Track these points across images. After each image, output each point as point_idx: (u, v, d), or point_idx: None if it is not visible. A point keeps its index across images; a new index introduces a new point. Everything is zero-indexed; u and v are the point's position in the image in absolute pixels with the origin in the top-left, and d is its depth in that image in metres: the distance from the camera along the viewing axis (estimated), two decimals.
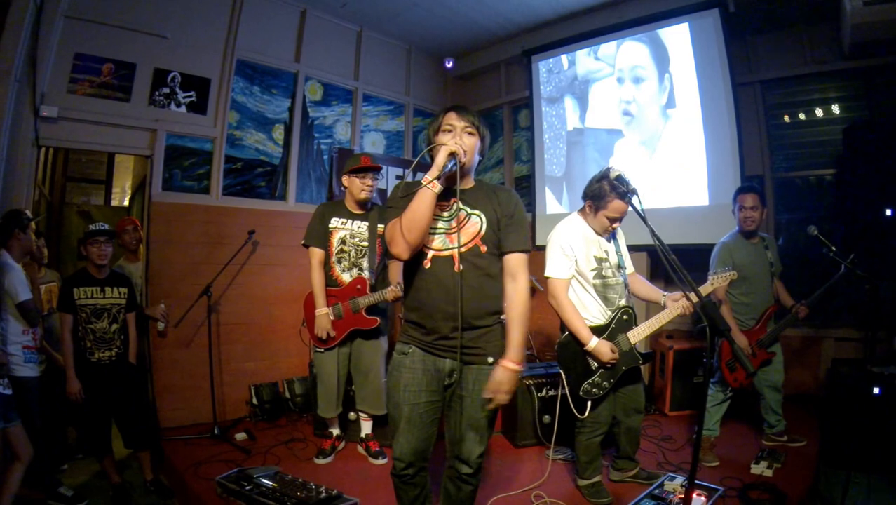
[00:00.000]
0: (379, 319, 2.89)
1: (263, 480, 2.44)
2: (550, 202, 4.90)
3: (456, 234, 1.68)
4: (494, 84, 5.50)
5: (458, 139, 1.66)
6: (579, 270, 2.39)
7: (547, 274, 2.41)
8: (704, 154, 3.94)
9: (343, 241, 2.91)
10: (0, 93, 3.05)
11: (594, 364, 2.37)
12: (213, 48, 3.95)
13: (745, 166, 3.78)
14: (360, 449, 3.09)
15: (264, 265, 4.10)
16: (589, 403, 2.40)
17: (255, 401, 3.83)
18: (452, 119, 1.71)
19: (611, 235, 2.50)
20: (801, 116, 4.08)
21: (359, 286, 2.87)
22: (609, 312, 2.43)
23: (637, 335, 2.41)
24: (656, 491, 2.36)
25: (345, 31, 4.76)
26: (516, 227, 1.72)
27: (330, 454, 3.02)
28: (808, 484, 2.61)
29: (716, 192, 3.87)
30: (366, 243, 2.92)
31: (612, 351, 2.32)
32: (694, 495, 2.09)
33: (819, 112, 4.01)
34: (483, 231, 1.70)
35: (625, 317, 2.43)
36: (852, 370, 3.20)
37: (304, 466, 2.92)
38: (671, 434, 3.29)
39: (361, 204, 2.94)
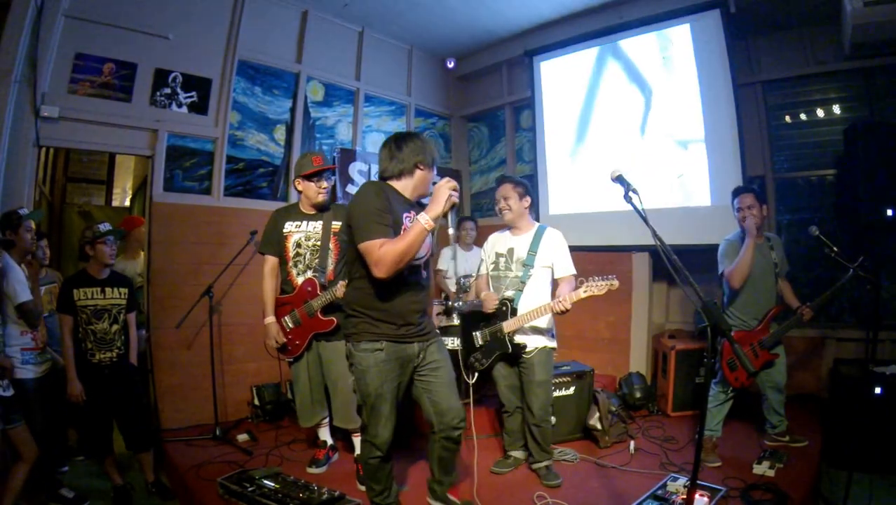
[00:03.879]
0: (336, 320, 2.69)
1: (265, 481, 2.44)
2: (553, 203, 4.89)
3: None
4: (496, 84, 5.50)
5: (452, 185, 1.90)
6: (487, 265, 2.85)
7: None
8: (706, 154, 3.95)
9: (298, 245, 2.79)
10: (0, 93, 3.05)
11: (477, 342, 2.74)
12: (214, 48, 3.94)
13: (746, 167, 3.78)
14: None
15: None
16: (475, 374, 2.73)
17: (256, 402, 3.83)
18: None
19: (533, 236, 2.70)
20: (803, 117, 4.08)
21: (309, 288, 2.74)
22: None
23: (510, 326, 2.64)
24: (659, 491, 2.37)
25: (346, 32, 4.76)
26: None
27: (324, 464, 2.90)
28: (810, 484, 2.61)
29: (717, 193, 3.87)
30: (320, 243, 2.79)
31: (494, 300, 2.67)
32: (696, 496, 2.09)
33: (820, 112, 4.02)
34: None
35: (503, 308, 2.67)
36: (854, 370, 3.22)
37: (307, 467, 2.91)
38: (673, 435, 3.28)
39: (318, 207, 2.81)
